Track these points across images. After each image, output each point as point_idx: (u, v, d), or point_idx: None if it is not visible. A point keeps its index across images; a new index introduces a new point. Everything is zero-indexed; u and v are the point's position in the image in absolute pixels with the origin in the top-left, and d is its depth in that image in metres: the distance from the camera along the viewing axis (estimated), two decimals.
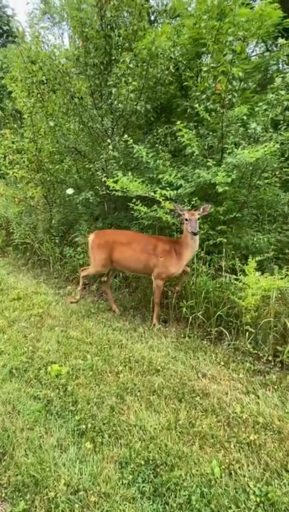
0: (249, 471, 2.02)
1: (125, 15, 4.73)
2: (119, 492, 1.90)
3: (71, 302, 4.07)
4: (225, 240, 3.80)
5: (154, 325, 3.81)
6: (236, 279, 3.41)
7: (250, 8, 4.85)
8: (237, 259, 3.67)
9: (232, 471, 2.02)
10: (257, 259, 3.33)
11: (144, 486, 1.94)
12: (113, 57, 4.66)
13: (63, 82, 4.61)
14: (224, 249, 3.83)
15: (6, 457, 2.15)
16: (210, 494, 1.88)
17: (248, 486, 1.92)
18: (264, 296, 3.27)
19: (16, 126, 6.64)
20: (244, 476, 1.99)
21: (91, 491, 1.91)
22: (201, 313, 3.61)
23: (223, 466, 2.05)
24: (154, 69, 4.51)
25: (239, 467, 2.05)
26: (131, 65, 4.25)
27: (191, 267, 3.89)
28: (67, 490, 1.92)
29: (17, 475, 2.01)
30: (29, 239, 6.20)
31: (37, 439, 2.27)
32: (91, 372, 2.94)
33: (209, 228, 3.93)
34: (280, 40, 3.83)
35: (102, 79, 4.68)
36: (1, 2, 19.38)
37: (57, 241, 5.73)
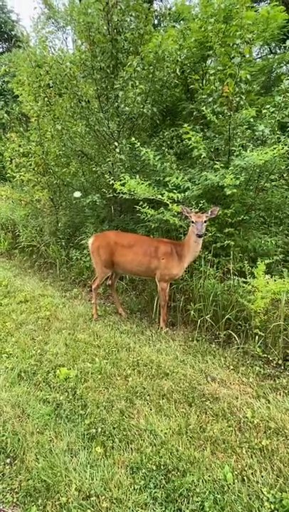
0: (262, 477, 2.00)
1: (131, 19, 4.74)
2: (131, 498, 1.89)
3: (95, 320, 4.06)
4: (232, 243, 3.78)
5: (162, 328, 3.79)
6: (245, 282, 3.39)
7: (255, 11, 4.87)
8: (245, 261, 3.65)
9: (245, 477, 2.00)
10: (266, 261, 3.31)
11: (156, 492, 1.92)
12: (119, 61, 4.68)
13: (70, 85, 4.63)
14: (232, 252, 3.81)
15: (16, 461, 2.14)
16: (223, 501, 1.86)
17: (262, 492, 1.90)
18: (273, 299, 3.25)
19: (22, 129, 6.69)
20: (257, 482, 1.97)
21: (103, 497, 1.89)
22: (209, 316, 3.59)
23: (236, 472, 2.03)
24: (161, 72, 4.53)
25: (252, 473, 2.02)
26: (138, 69, 4.26)
27: (198, 269, 3.88)
28: (78, 495, 1.90)
29: (28, 479, 2.01)
30: (35, 241, 6.23)
31: (47, 443, 2.26)
32: (100, 376, 2.93)
33: (217, 231, 3.92)
34: (288, 43, 3.81)
35: (108, 82, 4.70)
36: (5, 7, 19.61)
37: (63, 243, 5.74)
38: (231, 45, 3.89)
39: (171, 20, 7.20)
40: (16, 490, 1.97)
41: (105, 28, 4.51)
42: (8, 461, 2.15)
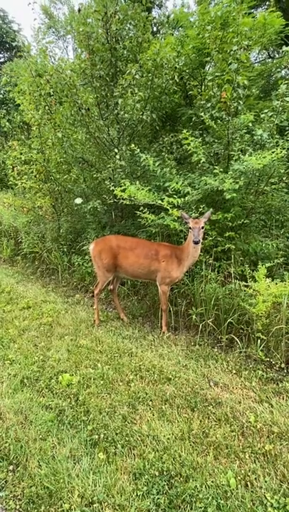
0: (266, 482, 1.98)
1: (130, 28, 4.82)
2: (134, 504, 1.88)
3: (97, 326, 4.08)
4: (233, 246, 3.79)
5: (164, 333, 3.79)
6: (246, 286, 3.40)
7: (252, 17, 4.93)
8: (246, 265, 3.66)
9: (248, 483, 1.99)
10: (267, 265, 3.31)
11: (159, 498, 1.91)
12: (119, 69, 4.75)
13: (70, 94, 4.70)
14: (233, 256, 3.82)
15: (19, 468, 2.14)
16: (226, 506, 1.85)
17: (265, 497, 1.88)
18: (275, 302, 3.24)
19: (23, 137, 6.77)
20: (261, 487, 1.95)
21: (106, 503, 1.89)
22: (211, 320, 3.59)
23: (239, 477, 2.01)
24: (159, 79, 4.58)
25: (255, 478, 2.01)
26: (137, 76, 4.32)
27: (199, 274, 3.89)
28: (81, 502, 1.90)
29: (31, 486, 2.01)
30: (37, 248, 6.27)
31: (50, 450, 2.26)
32: (102, 382, 2.93)
33: (217, 235, 3.94)
34: (285, 48, 3.85)
35: (108, 90, 4.76)
36: (7, 18, 19.95)
37: (65, 250, 5.78)
38: (228, 51, 3.94)
39: (169, 27, 7.30)
40: (19, 497, 1.97)
41: (104, 37, 4.58)
42: (11, 467, 2.16)
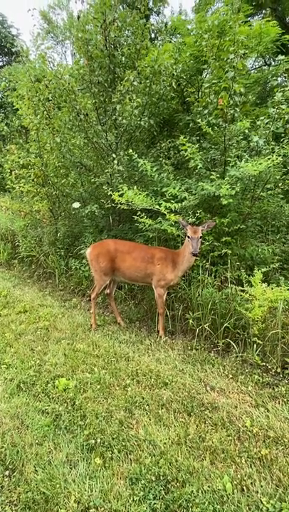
0: (262, 486, 1.99)
1: (128, 34, 4.89)
2: (130, 509, 1.88)
3: (94, 330, 4.08)
4: (230, 251, 3.82)
5: (161, 337, 3.80)
6: (242, 291, 3.42)
7: (249, 26, 5.03)
8: (242, 270, 3.69)
9: (244, 487, 1.99)
10: (263, 270, 3.35)
11: (155, 503, 1.91)
12: (117, 75, 4.81)
13: (69, 99, 4.74)
14: (229, 261, 3.85)
15: (15, 473, 2.13)
16: (222, 511, 1.85)
17: (261, 502, 1.89)
18: (271, 307, 3.27)
19: (21, 141, 6.80)
20: (256, 492, 1.96)
21: (102, 508, 1.89)
22: (207, 325, 3.60)
23: (235, 482, 2.02)
24: (157, 85, 4.65)
25: (251, 483, 2.02)
26: (135, 83, 4.37)
27: (196, 278, 3.91)
28: (77, 507, 1.90)
29: (27, 492, 2.00)
30: (35, 252, 6.27)
31: (46, 455, 2.25)
32: (99, 386, 2.93)
33: (214, 240, 3.97)
34: (280, 57, 3.93)
35: (106, 96, 4.81)
36: (6, 22, 20.07)
37: (62, 253, 5.78)
38: (225, 59, 4.00)
39: (167, 34, 7.39)
40: (15, 502, 1.96)
41: (103, 43, 4.64)
42: (7, 473, 2.14)
